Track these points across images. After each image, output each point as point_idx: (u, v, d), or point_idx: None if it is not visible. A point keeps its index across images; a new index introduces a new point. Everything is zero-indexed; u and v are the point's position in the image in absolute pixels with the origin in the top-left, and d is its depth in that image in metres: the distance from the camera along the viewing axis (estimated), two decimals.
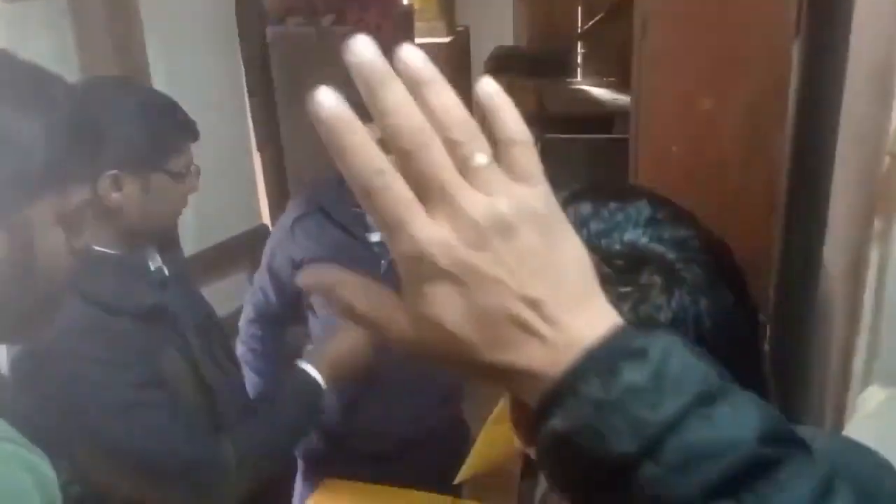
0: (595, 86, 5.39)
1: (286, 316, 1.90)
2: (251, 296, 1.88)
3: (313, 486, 1.81)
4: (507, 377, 0.41)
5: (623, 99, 5.15)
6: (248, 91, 3.11)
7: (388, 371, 1.71)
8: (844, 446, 0.74)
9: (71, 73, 2.10)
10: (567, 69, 5.56)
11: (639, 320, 0.56)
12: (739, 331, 0.61)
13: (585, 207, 0.61)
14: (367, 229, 1.75)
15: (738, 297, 0.61)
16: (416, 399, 1.79)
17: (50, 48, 2.20)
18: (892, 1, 1.55)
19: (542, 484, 2.32)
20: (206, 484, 1.29)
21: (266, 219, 3.22)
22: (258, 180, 3.26)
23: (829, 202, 1.99)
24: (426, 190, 0.41)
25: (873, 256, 1.56)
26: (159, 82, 2.46)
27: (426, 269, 0.41)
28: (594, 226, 0.60)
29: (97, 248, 1.30)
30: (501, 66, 5.27)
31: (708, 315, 0.58)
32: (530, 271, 0.41)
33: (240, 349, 1.87)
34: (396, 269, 0.43)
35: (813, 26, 2.14)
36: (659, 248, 0.59)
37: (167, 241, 1.51)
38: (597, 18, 5.33)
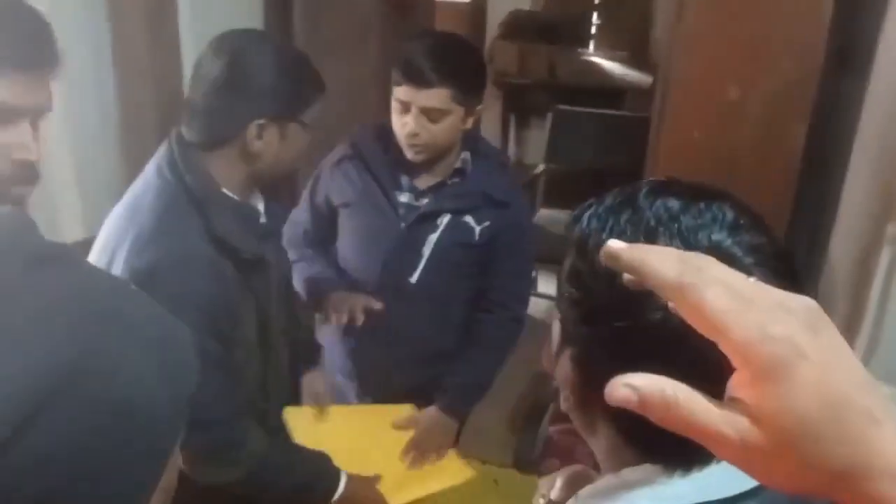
0: (607, 59, 5.38)
1: (321, 243, 1.95)
2: (288, 233, 1.92)
3: None
4: (851, 477, 0.39)
5: (634, 74, 5.16)
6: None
7: (391, 337, 1.82)
8: None
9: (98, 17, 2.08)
10: (580, 39, 5.54)
11: None
12: None
13: (674, 203, 0.64)
14: (399, 187, 1.78)
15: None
16: (418, 355, 1.87)
17: None
18: None
19: (541, 439, 2.38)
20: (220, 460, 1.38)
21: None
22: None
23: (839, 199, 2.04)
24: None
25: (884, 258, 1.61)
26: (184, 17, 2.46)
27: (773, 360, 0.39)
28: (685, 221, 0.63)
29: (225, 190, 1.38)
30: (515, 29, 5.25)
31: None
32: (853, 362, 0.40)
33: None
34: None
35: (843, 22, 2.17)
36: (739, 251, 0.62)
37: (273, 193, 1.58)
38: None
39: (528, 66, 5.15)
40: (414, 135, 1.66)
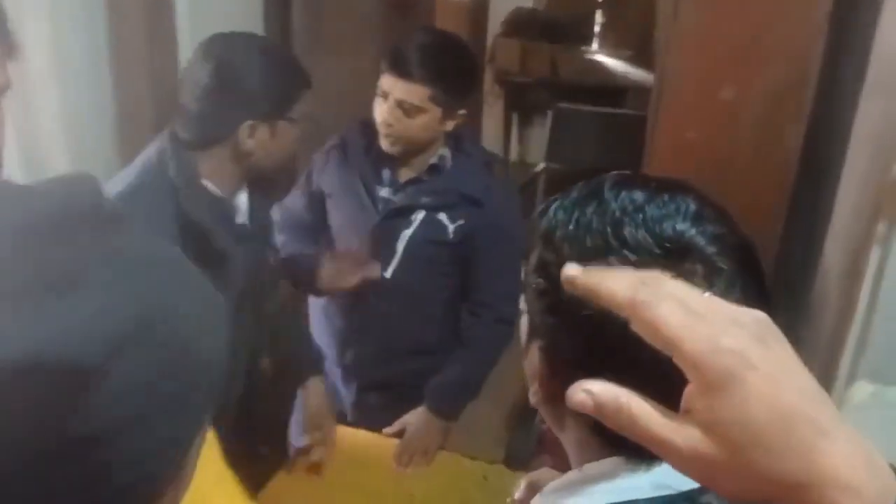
0: (610, 57, 5.38)
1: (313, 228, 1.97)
2: (278, 218, 1.93)
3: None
4: (800, 487, 0.39)
5: (637, 74, 5.15)
6: (266, 33, 3.10)
7: (371, 329, 1.86)
8: None
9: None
10: (583, 37, 5.54)
11: None
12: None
13: (639, 194, 0.66)
14: (380, 181, 1.81)
15: (762, 290, 0.66)
16: (396, 346, 1.90)
17: None
18: None
19: (533, 436, 2.39)
20: None
21: None
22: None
23: (834, 199, 2.04)
24: None
25: (874, 257, 1.62)
26: (182, 12, 2.47)
27: (724, 372, 0.40)
28: (650, 211, 0.64)
29: (207, 184, 1.42)
30: (517, 27, 5.26)
31: (743, 303, 0.62)
32: (803, 375, 0.42)
33: None
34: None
35: (839, 23, 2.17)
36: (701, 241, 0.63)
37: (262, 189, 1.60)
38: None
39: (530, 65, 5.15)
40: (387, 125, 1.68)
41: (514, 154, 5.92)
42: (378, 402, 1.95)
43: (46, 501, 0.51)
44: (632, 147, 3.09)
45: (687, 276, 0.61)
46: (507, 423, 2.86)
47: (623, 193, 0.66)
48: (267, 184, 1.57)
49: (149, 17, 2.25)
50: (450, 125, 1.73)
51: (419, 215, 1.76)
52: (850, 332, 1.68)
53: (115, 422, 0.51)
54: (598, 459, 0.69)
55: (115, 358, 0.50)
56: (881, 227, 1.62)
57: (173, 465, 0.57)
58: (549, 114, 4.17)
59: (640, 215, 0.64)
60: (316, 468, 1.68)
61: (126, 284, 0.52)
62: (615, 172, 0.72)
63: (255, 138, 1.42)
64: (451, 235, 1.76)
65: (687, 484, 0.65)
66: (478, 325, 1.85)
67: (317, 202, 1.89)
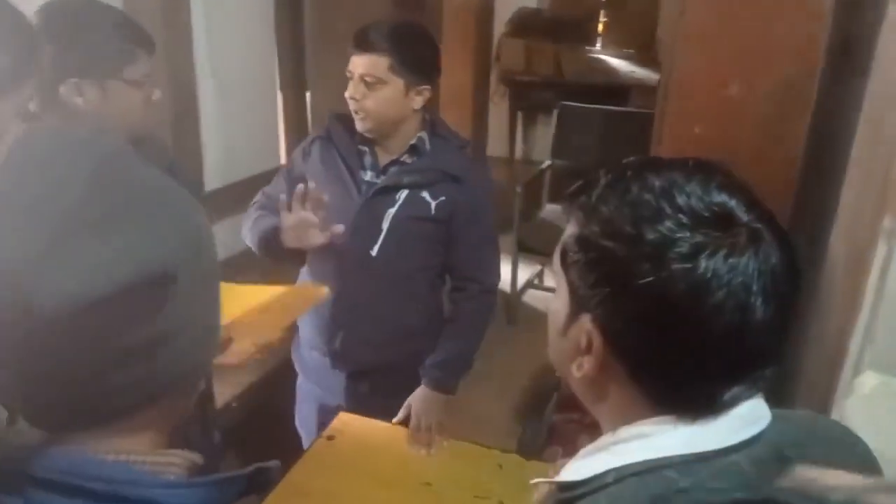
0: (614, 56, 5.41)
1: None
2: (258, 199, 1.97)
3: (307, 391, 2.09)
4: None
5: (641, 72, 5.18)
6: (277, 31, 3.13)
7: (358, 311, 1.91)
8: (821, 417, 0.85)
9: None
10: (587, 36, 5.57)
11: (729, 269, 0.66)
12: (798, 283, 0.71)
13: (678, 172, 0.71)
14: (362, 166, 1.88)
15: (793, 256, 0.71)
16: (384, 328, 1.95)
17: None
18: None
19: (545, 427, 2.43)
20: None
21: (283, 160, 3.28)
22: (280, 121, 3.31)
23: (840, 194, 2.07)
24: None
25: (880, 251, 1.64)
26: (197, 13, 2.51)
27: None
28: (692, 184, 0.69)
29: None
30: (522, 27, 5.29)
31: (781, 266, 0.68)
32: None
33: (245, 228, 1.94)
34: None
35: (843, 18, 2.20)
36: (740, 209, 0.68)
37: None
38: None
39: (534, 64, 5.18)
40: (354, 100, 1.76)
41: (518, 151, 5.95)
42: (368, 389, 2.00)
43: (123, 390, 0.61)
44: (635, 143, 3.13)
45: (733, 244, 0.66)
46: (517, 415, 2.90)
47: (663, 171, 0.71)
48: (136, 146, 1.52)
49: (164, 16, 2.28)
50: (416, 101, 1.80)
51: (402, 194, 1.83)
52: (856, 324, 1.71)
53: (181, 319, 0.63)
54: (641, 420, 0.72)
55: (181, 266, 0.61)
56: (887, 222, 1.64)
57: (213, 354, 0.70)
58: (555, 112, 4.20)
59: (686, 187, 0.69)
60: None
61: (176, 208, 0.65)
62: (639, 157, 0.76)
63: (84, 98, 1.42)
64: (434, 211, 1.83)
65: (718, 442, 0.69)
66: (464, 299, 1.93)
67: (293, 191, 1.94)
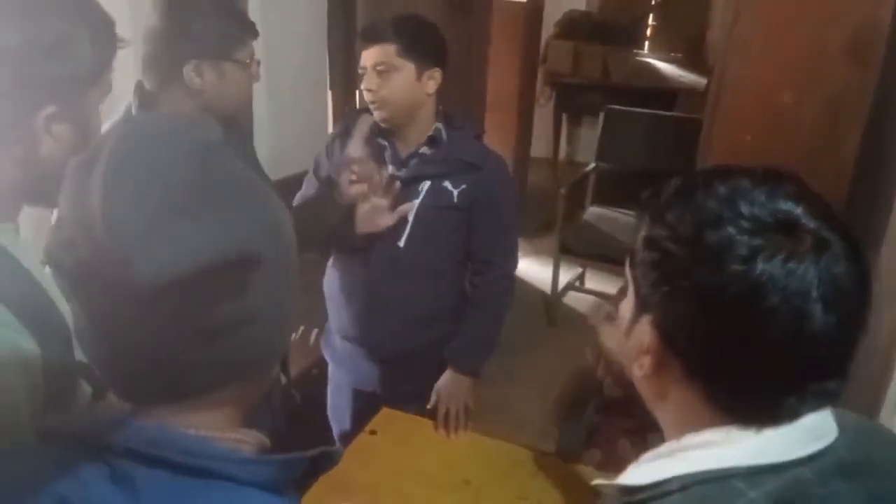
0: (661, 60, 5.38)
1: None
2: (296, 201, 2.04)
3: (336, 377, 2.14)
4: None
5: (688, 76, 5.14)
6: (329, 31, 3.18)
7: (387, 301, 1.94)
8: (877, 426, 0.84)
9: None
10: (635, 40, 5.54)
11: (787, 274, 0.66)
12: (866, 296, 0.70)
13: (746, 180, 0.71)
14: (384, 161, 1.91)
15: (864, 266, 0.70)
16: (414, 316, 1.98)
17: None
18: None
19: (584, 430, 2.43)
20: None
21: None
22: (329, 119, 3.36)
23: (892, 204, 2.04)
24: None
25: None
26: (254, 10, 2.56)
27: None
28: (758, 192, 0.70)
29: None
30: (570, 29, 5.28)
31: (848, 277, 0.68)
32: None
33: None
34: None
35: None
36: (806, 216, 0.68)
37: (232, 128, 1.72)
38: None
39: (581, 66, 5.17)
40: (369, 91, 1.79)
41: (562, 153, 5.94)
42: (401, 375, 2.03)
43: (207, 367, 0.66)
44: (680, 148, 3.11)
45: (794, 250, 0.67)
46: (554, 417, 2.90)
47: (731, 179, 0.72)
48: (229, 125, 1.66)
49: None
50: (429, 86, 1.82)
51: (425, 185, 1.86)
52: None
53: (262, 302, 0.66)
54: (703, 428, 0.73)
55: (264, 252, 0.65)
56: None
57: (288, 338, 0.74)
58: (601, 115, 4.19)
59: (751, 195, 0.70)
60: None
61: (262, 198, 0.69)
62: (714, 165, 0.78)
63: (203, 78, 1.56)
64: (456, 199, 1.87)
65: (784, 454, 0.69)
66: (485, 283, 1.96)
67: (321, 186, 1.99)
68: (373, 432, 1.84)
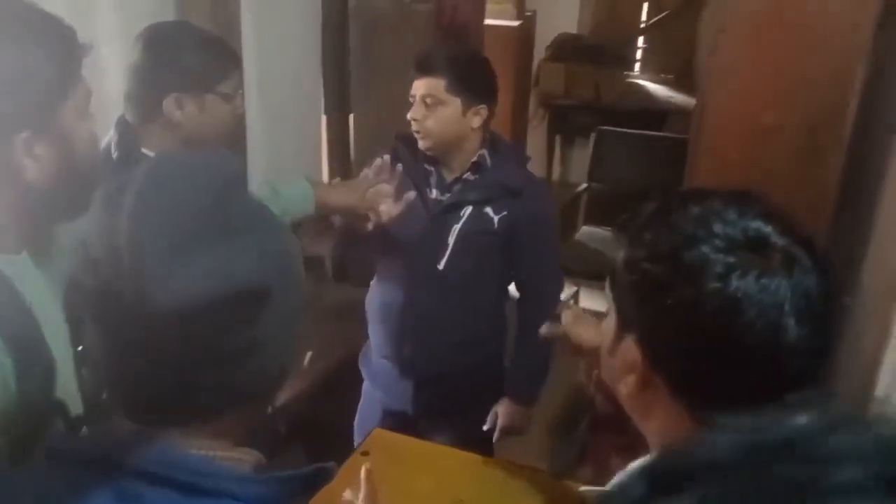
0: (652, 81, 5.44)
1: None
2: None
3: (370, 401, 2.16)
4: None
5: (678, 97, 5.20)
6: (323, 56, 3.23)
7: (426, 323, 1.98)
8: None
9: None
10: (626, 62, 5.61)
11: (761, 290, 0.70)
12: (833, 307, 0.75)
13: (717, 201, 0.76)
14: (428, 185, 1.97)
15: (830, 280, 0.75)
16: (450, 339, 2.02)
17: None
18: None
19: (577, 447, 2.45)
20: None
21: (326, 180, 3.35)
22: (323, 144, 3.40)
23: (873, 224, 2.08)
24: None
25: None
26: (247, 36, 2.61)
27: None
28: (730, 212, 0.74)
29: (147, 152, 1.55)
30: (562, 52, 5.34)
31: (817, 289, 0.72)
32: None
33: None
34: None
35: (879, 51, 2.22)
36: (775, 234, 0.73)
37: None
38: (661, 15, 5.36)
39: (573, 88, 5.22)
40: (415, 121, 1.86)
41: (556, 174, 5.99)
42: (434, 396, 2.06)
43: (215, 391, 0.69)
44: (671, 169, 3.15)
45: (765, 266, 0.71)
46: (548, 434, 2.92)
47: (704, 200, 0.76)
48: None
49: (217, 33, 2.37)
50: (474, 121, 1.87)
51: (467, 210, 1.91)
52: (886, 352, 1.73)
53: (270, 330, 0.69)
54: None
55: (275, 282, 0.69)
56: None
57: (294, 365, 0.77)
58: (592, 136, 4.24)
59: (723, 214, 0.74)
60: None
61: (274, 230, 0.73)
62: (687, 188, 0.83)
63: (183, 111, 1.55)
64: (497, 226, 1.91)
65: None
66: (531, 311, 1.99)
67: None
68: (365, 453, 1.86)
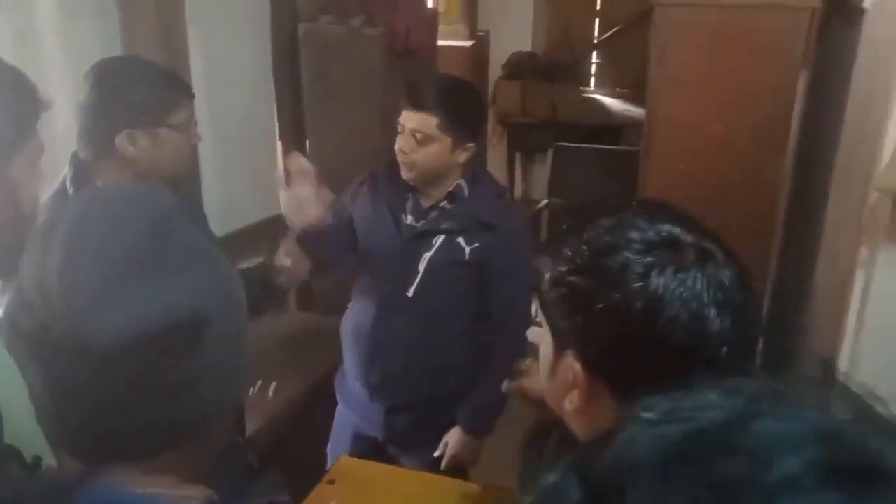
0: (607, 96, 5.51)
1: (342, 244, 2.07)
2: None
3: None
4: None
5: (633, 110, 5.27)
6: (276, 83, 3.23)
7: (394, 348, 1.97)
8: None
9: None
10: (580, 77, 5.68)
11: (678, 284, 0.74)
12: (750, 297, 0.78)
13: (626, 214, 0.80)
14: (405, 211, 1.96)
15: (743, 272, 0.78)
16: (420, 365, 2.01)
17: (98, 33, 2.33)
18: (891, 46, 1.69)
19: (547, 457, 2.45)
20: None
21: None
22: (280, 168, 3.39)
23: (822, 227, 2.13)
24: None
25: (858, 281, 1.70)
26: (196, 68, 2.60)
27: None
28: (641, 220, 0.78)
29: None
30: (517, 70, 5.40)
31: (731, 280, 0.76)
32: None
33: None
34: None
35: (820, 62, 2.28)
36: (685, 233, 0.77)
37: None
38: (612, 31, 5.45)
39: (530, 105, 5.28)
40: (402, 152, 1.84)
41: (518, 191, 6.03)
42: (406, 424, 2.04)
43: (160, 426, 0.68)
44: (627, 180, 3.20)
45: (680, 261, 0.75)
46: (518, 452, 2.92)
47: (613, 213, 0.80)
48: (173, 188, 1.60)
49: (164, 64, 2.36)
50: (461, 157, 1.87)
51: (439, 239, 1.90)
52: (840, 351, 1.76)
53: (212, 361, 0.69)
54: None
55: (214, 312, 0.68)
56: (863, 252, 1.70)
57: (239, 394, 0.78)
58: (550, 152, 4.29)
59: (635, 223, 0.78)
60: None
61: (212, 261, 0.73)
62: (595, 205, 0.86)
63: (137, 146, 1.54)
64: (468, 256, 1.90)
65: None
66: (498, 344, 1.95)
67: (346, 225, 2.02)
68: (331, 482, 1.83)
